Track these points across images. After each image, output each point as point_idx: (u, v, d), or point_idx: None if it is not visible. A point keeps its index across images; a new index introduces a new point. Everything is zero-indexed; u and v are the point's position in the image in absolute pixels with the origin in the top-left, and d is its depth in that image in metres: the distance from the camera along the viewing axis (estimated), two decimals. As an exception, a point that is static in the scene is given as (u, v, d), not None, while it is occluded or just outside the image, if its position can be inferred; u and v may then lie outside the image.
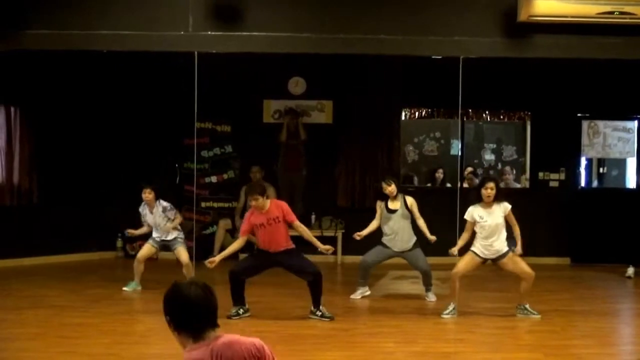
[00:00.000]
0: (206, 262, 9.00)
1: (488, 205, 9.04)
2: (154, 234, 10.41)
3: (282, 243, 9.03)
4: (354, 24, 8.66)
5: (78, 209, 12.65)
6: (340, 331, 8.48)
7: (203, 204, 13.11)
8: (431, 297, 10.26)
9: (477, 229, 9.12)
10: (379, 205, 10.26)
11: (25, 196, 12.40)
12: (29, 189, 12.42)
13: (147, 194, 10.20)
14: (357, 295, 10.29)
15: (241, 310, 8.98)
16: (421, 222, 10.16)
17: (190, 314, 3.43)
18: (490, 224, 9.03)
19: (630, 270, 11.93)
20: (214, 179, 13.24)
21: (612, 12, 8.03)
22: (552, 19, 8.24)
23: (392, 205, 10.13)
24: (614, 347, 8.51)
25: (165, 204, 10.27)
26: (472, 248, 9.17)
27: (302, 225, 9.34)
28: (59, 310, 9.21)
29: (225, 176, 13.34)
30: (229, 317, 8.74)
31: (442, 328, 8.90)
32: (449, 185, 13.95)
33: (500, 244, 9.13)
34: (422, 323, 9.09)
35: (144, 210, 10.37)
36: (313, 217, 13.25)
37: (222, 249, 12.50)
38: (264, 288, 10.21)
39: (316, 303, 9.03)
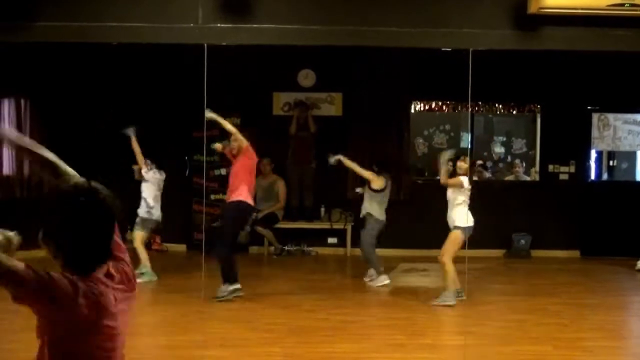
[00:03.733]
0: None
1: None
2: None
3: (237, 185, 9.41)
4: (363, 16, 8.65)
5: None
6: (350, 323, 8.50)
7: (212, 197, 13.12)
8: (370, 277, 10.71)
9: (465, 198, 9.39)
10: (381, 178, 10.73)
11: (35, 188, 12.42)
12: (39, 181, 12.45)
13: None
14: (382, 281, 10.64)
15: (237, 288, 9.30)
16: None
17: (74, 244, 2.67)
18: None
19: (640, 264, 11.93)
20: (223, 171, 13.20)
21: (622, 4, 7.99)
22: (562, 11, 8.21)
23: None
24: (623, 340, 8.51)
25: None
26: (462, 224, 9.37)
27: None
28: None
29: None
30: (221, 299, 9.13)
31: (452, 321, 8.91)
32: (458, 178, 13.94)
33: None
34: (432, 315, 9.11)
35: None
36: (322, 209, 13.25)
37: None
38: (274, 281, 10.23)
39: (225, 279, 9.27)
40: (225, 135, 13.15)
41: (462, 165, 9.41)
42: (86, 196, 2.69)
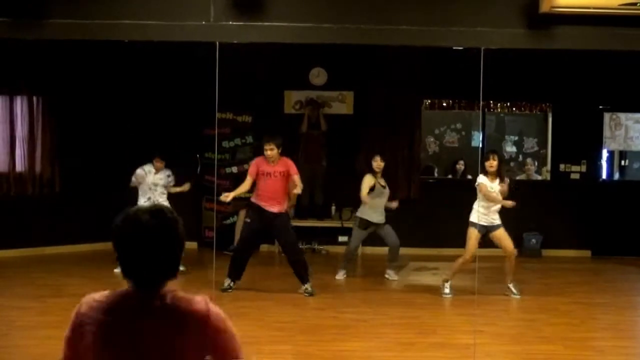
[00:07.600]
0: (221, 197, 10.05)
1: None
2: (142, 200, 11.06)
3: (280, 199, 9.78)
4: (375, 15, 8.63)
5: (100, 198, 12.69)
6: (360, 322, 8.51)
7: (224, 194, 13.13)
8: (392, 276, 10.98)
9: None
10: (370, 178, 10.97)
11: (47, 185, 12.47)
12: (51, 178, 12.50)
13: (159, 163, 10.96)
14: (340, 276, 10.99)
15: (233, 284, 9.81)
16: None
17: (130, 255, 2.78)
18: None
19: (652, 264, 11.91)
20: (234, 169, 13.24)
21: (634, 4, 7.96)
22: (574, 10, 8.18)
23: (382, 182, 11.01)
24: (633, 340, 8.50)
25: (169, 171, 11.13)
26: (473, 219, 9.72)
27: (299, 180, 9.91)
28: (80, 299, 9.26)
29: (245, 167, 13.28)
30: (223, 290, 9.64)
31: (462, 320, 8.90)
32: (469, 177, 13.92)
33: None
34: (441, 314, 9.12)
35: (149, 168, 11.03)
36: (333, 208, 13.25)
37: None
38: (284, 279, 10.25)
39: (302, 280, 9.79)
40: (237, 133, 13.21)
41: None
42: (153, 217, 2.84)
